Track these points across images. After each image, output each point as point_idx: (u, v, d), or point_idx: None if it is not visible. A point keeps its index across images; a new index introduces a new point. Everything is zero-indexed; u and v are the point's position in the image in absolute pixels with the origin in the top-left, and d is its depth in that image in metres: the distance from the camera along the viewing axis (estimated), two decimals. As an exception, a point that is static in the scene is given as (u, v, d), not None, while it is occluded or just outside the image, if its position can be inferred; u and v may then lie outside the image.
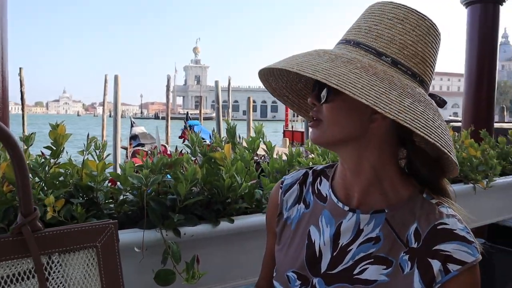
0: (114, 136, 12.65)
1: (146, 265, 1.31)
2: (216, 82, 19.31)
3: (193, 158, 1.69)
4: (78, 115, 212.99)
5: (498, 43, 3.78)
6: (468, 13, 3.70)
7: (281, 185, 1.12)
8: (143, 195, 1.42)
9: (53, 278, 0.83)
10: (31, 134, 1.52)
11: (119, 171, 1.52)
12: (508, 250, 1.78)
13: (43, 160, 1.33)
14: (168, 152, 1.62)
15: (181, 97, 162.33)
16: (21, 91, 19.43)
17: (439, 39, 0.93)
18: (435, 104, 0.88)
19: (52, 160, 1.37)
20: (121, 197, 1.49)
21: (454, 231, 0.86)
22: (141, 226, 1.38)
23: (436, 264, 0.85)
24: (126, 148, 14.95)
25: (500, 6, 3.60)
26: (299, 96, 1.10)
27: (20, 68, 19.79)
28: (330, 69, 0.80)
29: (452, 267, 0.84)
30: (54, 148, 1.37)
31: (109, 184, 1.49)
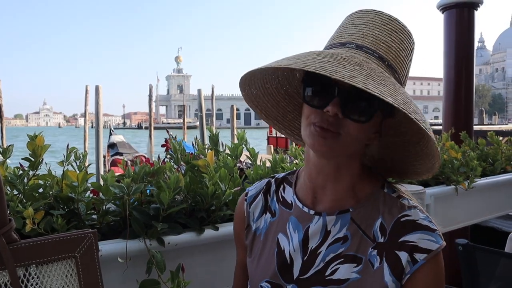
0: (96, 147, 12.53)
1: (130, 275, 1.29)
2: (199, 91, 19.27)
3: (175, 167, 1.68)
4: (59, 126, 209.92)
5: (475, 48, 3.86)
6: (444, 19, 3.77)
7: (245, 197, 1.11)
8: (125, 204, 1.40)
9: (35, 286, 0.80)
10: (9, 146, 1.49)
11: (101, 181, 1.49)
12: (492, 250, 1.80)
13: (21, 172, 1.30)
14: (151, 162, 1.60)
15: (164, 107, 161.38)
16: (-2, 103, 19.03)
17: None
18: None
19: (30, 172, 1.34)
20: (104, 208, 1.46)
21: (417, 221, 0.89)
22: (125, 236, 1.36)
23: (403, 256, 0.87)
24: (104, 157, 14.81)
25: (475, 11, 3.68)
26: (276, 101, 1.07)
27: (-3, 80, 19.39)
28: (395, 94, 0.77)
29: (419, 256, 0.86)
30: (33, 159, 1.35)
31: (91, 195, 1.47)
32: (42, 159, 1.38)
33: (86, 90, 17.92)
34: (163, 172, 1.50)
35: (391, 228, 0.90)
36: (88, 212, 1.39)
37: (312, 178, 0.97)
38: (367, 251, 0.90)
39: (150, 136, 20.35)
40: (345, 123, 0.84)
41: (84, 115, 19.37)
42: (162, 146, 1.84)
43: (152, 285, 1.29)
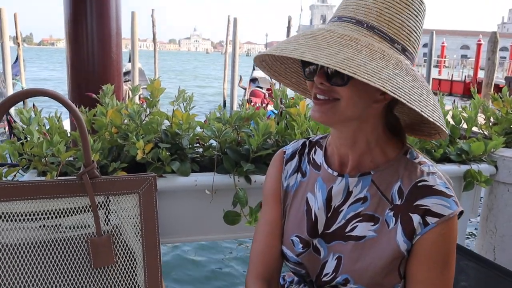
0: (231, 75, 13.34)
1: (218, 205, 1.53)
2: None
3: (275, 111, 1.83)
4: (206, 52, 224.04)
5: None
6: None
7: (284, 155, 1.18)
8: (221, 143, 1.61)
9: (108, 212, 1.09)
10: (137, 85, 1.78)
11: (236, 107, 1.71)
12: None
13: (139, 109, 1.57)
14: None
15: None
16: (153, 31, 21.05)
17: None
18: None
19: (148, 109, 1.61)
20: (206, 143, 1.70)
21: (433, 187, 0.95)
22: (219, 170, 1.58)
23: (416, 218, 0.93)
24: (245, 88, 15.64)
25: None
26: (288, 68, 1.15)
27: (152, 10, 21.31)
28: (364, 65, 0.81)
29: (431, 219, 0.92)
30: (150, 99, 1.61)
31: (201, 130, 1.70)
32: (158, 100, 1.64)
33: (228, 20, 18.69)
34: (256, 118, 1.65)
35: (408, 192, 0.96)
36: (191, 147, 1.63)
37: (336, 144, 1.05)
38: (384, 211, 0.98)
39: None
40: (336, 89, 0.90)
41: (226, 42, 20.38)
42: (267, 90, 1.98)
43: (234, 216, 1.51)
